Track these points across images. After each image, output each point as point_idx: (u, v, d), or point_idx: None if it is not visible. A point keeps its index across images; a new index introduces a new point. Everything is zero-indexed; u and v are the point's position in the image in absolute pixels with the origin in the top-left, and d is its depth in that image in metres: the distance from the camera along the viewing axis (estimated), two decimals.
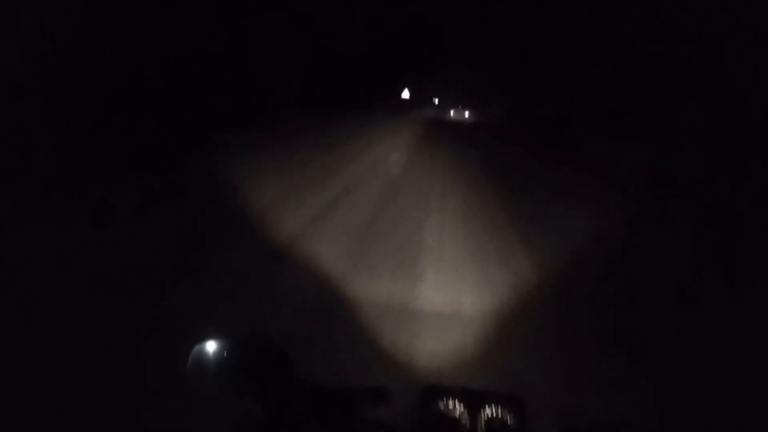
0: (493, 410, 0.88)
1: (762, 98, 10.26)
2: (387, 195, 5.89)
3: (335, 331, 2.58)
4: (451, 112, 37.53)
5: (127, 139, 5.81)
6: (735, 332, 3.12)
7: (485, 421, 0.87)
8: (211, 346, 0.80)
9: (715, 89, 12.00)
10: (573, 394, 2.17)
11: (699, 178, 9.78)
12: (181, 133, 6.61)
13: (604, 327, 3.04)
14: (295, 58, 12.25)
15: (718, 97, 11.85)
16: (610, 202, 7.23)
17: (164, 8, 7.69)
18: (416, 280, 3.36)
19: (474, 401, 0.89)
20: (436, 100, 40.06)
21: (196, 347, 0.79)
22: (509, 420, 0.87)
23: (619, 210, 6.64)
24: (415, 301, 3.01)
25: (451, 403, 0.89)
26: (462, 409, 0.88)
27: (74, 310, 2.37)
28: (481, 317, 2.88)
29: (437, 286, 3.29)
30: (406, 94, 25.09)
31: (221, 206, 4.55)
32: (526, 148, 15.77)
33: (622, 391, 2.31)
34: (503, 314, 2.96)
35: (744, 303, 3.69)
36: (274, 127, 9.07)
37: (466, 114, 37.33)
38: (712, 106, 11.79)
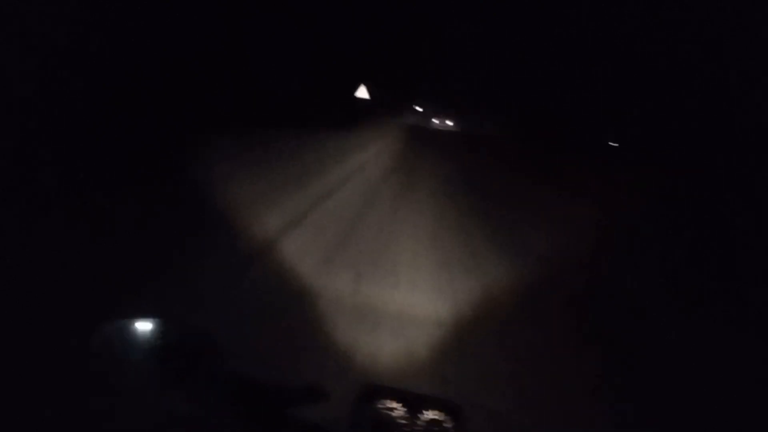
0: (432, 415, 0.86)
1: (747, 105, 10.27)
2: (363, 199, 5.88)
3: (290, 326, 2.56)
4: (434, 120, 37.13)
5: (117, 142, 5.81)
6: (708, 343, 3.10)
7: (424, 424, 0.85)
8: (133, 325, 0.70)
9: (701, 98, 11.99)
10: (521, 406, 2.13)
11: (675, 187, 9.77)
12: (158, 135, 6.61)
13: (568, 339, 3.02)
14: (292, 60, 12.26)
15: (703, 105, 11.86)
16: (582, 213, 7.22)
17: (160, 8, 7.72)
18: (383, 284, 3.36)
19: (413, 404, 0.88)
20: (419, 108, 39.84)
21: (116, 323, 0.68)
22: (447, 425, 0.85)
23: (590, 220, 6.63)
24: (378, 304, 3.00)
25: (390, 404, 0.88)
26: (401, 411, 0.87)
27: (40, 307, 2.36)
28: (441, 323, 2.86)
29: (402, 291, 3.29)
30: (363, 93, 21.79)
31: (193, 205, 4.53)
32: (503, 157, 15.79)
33: (583, 403, 2.28)
34: (463, 322, 2.95)
35: (718, 311, 3.68)
36: (256, 131, 9.05)
37: (448, 122, 37.01)
38: (697, 114, 11.81)
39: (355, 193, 6.18)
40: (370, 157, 10.28)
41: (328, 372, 2.15)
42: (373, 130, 16.42)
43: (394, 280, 3.50)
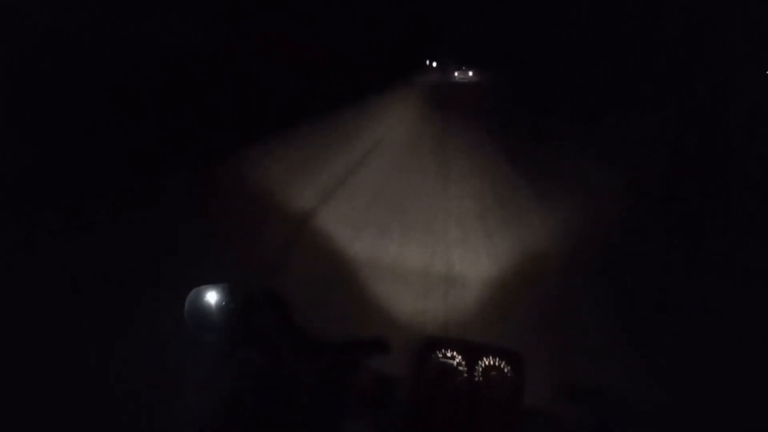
0: (492, 362, 0.88)
1: (740, 100, 10.27)
2: (392, 160, 5.85)
3: (342, 291, 2.59)
4: (456, 74, 36.13)
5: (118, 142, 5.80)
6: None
7: (483, 371, 0.87)
8: (209, 291, 0.80)
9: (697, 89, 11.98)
10: (573, 355, 2.18)
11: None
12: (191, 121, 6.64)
13: (606, 293, 3.05)
14: (295, 56, 12.28)
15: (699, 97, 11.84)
16: (616, 165, 7.04)
17: (160, 8, 7.72)
18: (423, 243, 3.38)
19: (473, 353, 0.90)
20: (434, 63, 38.97)
21: (194, 291, 0.79)
22: (508, 372, 0.87)
23: (627, 173, 6.45)
24: (421, 263, 3.03)
25: (449, 353, 0.90)
26: (460, 360, 0.90)
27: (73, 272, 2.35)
28: (484, 280, 2.89)
29: (443, 249, 3.30)
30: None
31: (232, 177, 4.51)
32: (530, 108, 15.58)
33: (620, 356, 2.32)
34: (506, 277, 2.98)
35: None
36: (278, 110, 9.02)
37: (470, 74, 35.85)
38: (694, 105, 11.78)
39: (385, 158, 6.15)
40: (396, 120, 10.17)
41: (376, 329, 2.16)
42: (394, 91, 16.24)
43: (433, 241, 3.51)
